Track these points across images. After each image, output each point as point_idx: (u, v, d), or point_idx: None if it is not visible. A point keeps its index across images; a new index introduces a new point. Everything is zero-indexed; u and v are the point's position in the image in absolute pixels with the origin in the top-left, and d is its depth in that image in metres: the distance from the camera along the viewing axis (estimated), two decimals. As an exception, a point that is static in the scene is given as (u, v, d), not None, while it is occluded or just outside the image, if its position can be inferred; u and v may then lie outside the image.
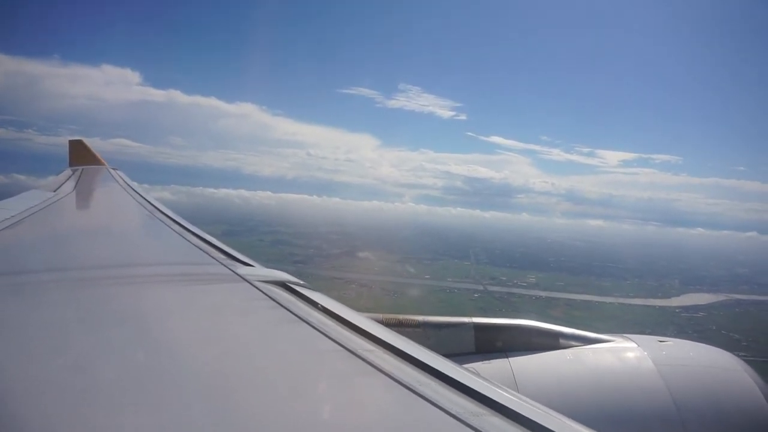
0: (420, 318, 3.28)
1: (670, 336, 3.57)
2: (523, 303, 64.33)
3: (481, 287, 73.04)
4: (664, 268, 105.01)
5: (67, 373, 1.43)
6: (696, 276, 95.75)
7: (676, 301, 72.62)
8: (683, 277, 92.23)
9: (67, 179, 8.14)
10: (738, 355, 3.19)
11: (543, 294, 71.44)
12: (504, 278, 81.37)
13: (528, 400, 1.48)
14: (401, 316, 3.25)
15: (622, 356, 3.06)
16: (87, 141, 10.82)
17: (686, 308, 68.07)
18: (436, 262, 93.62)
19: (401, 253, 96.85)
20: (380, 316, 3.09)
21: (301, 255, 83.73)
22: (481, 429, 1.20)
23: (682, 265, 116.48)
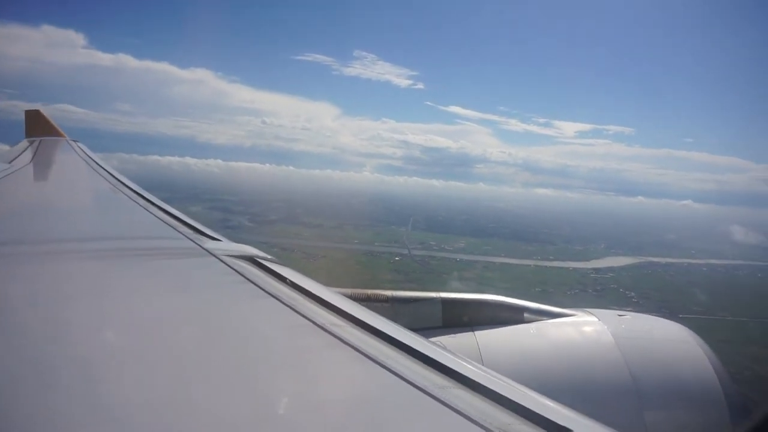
0: (389, 293, 3.33)
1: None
2: (441, 266, 66.73)
3: (405, 251, 74.82)
4: (595, 234, 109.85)
5: (26, 351, 1.39)
6: (622, 241, 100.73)
7: (593, 264, 76.74)
8: (610, 242, 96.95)
9: (24, 151, 7.59)
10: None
11: (465, 257, 74.02)
12: (433, 243, 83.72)
13: (492, 372, 1.53)
14: (370, 291, 3.30)
15: (583, 330, 3.15)
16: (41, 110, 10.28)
17: (599, 270, 72.11)
18: (371, 229, 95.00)
19: (338, 220, 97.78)
20: (349, 291, 3.14)
21: (234, 221, 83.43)
22: (446, 401, 1.21)
23: (613, 231, 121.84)
